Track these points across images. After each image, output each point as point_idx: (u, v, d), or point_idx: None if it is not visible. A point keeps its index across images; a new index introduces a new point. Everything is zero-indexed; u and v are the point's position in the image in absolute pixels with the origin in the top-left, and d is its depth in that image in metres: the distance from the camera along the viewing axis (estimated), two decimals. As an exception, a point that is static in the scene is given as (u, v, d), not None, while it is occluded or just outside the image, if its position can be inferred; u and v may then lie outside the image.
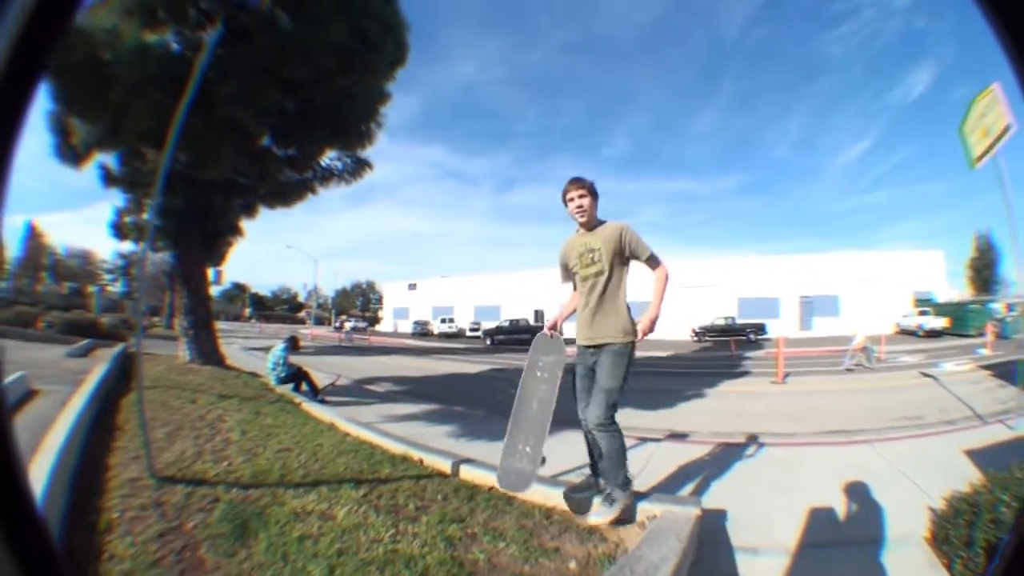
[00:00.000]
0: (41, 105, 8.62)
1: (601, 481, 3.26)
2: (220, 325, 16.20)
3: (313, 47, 7.79)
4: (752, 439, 6.02)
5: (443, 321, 48.82)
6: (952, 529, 2.81)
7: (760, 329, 33.41)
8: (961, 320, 28.16)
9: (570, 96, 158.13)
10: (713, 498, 3.92)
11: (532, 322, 36.56)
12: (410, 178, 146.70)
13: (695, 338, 34.80)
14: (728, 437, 6.24)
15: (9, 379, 5.78)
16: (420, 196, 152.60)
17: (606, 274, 3.17)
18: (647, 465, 5.02)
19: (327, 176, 11.29)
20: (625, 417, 7.29)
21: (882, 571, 2.89)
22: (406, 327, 55.77)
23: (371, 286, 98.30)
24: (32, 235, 64.15)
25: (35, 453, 3.21)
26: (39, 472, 2.83)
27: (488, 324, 41.55)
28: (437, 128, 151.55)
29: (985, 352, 17.80)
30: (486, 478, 3.82)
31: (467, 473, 4.15)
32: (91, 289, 53.25)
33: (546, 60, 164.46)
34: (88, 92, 7.30)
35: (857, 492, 4.06)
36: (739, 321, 35.12)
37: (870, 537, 3.28)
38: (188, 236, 10.77)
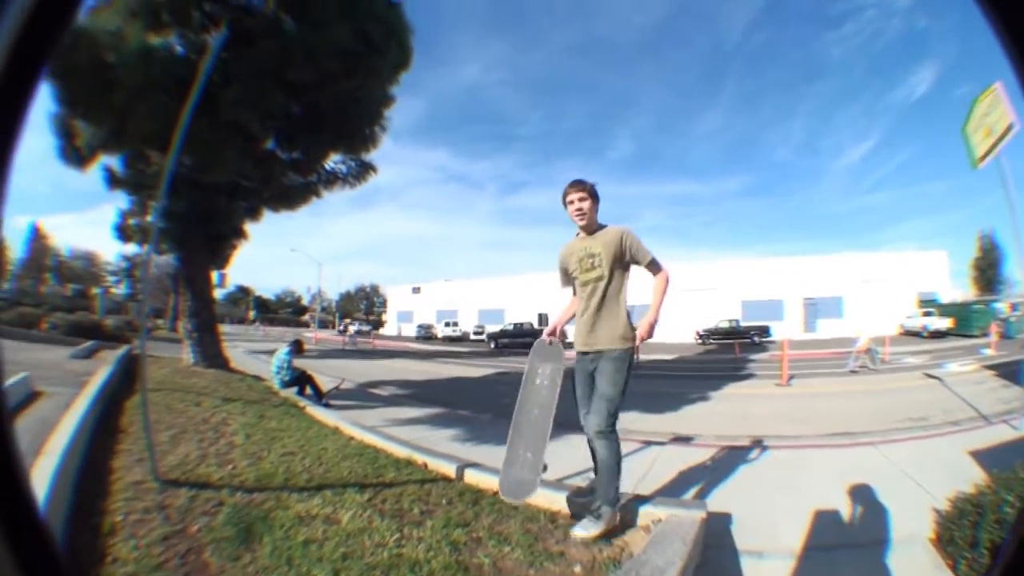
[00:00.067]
0: (45, 107, 8.69)
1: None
2: (224, 328, 16.25)
3: (317, 50, 7.82)
4: (757, 442, 6.00)
5: (447, 325, 48.95)
6: (957, 530, 2.79)
7: (764, 331, 33.33)
8: (965, 320, 28.07)
9: (573, 98, 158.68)
10: (718, 501, 3.90)
11: (536, 325, 36.53)
12: (414, 181, 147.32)
13: (699, 341, 34.77)
14: (733, 440, 6.22)
15: (12, 380, 5.78)
16: (424, 199, 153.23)
17: (606, 279, 3.13)
18: (651, 468, 5.00)
19: (331, 179, 11.32)
20: (630, 420, 7.35)
21: (887, 573, 2.87)
22: (410, 331, 55.87)
23: (375, 289, 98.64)
24: (36, 236, 64.61)
25: (38, 455, 3.21)
26: (42, 474, 2.83)
27: (492, 328, 41.63)
28: (441, 131, 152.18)
29: (989, 352, 17.74)
30: (491, 482, 3.81)
31: (472, 477, 4.14)
32: (95, 291, 53.53)
33: (549, 63, 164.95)
34: (92, 94, 7.33)
35: (862, 494, 4.04)
36: (743, 323, 35.07)
37: (875, 539, 3.26)
38: (192, 239, 10.80)
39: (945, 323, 28.88)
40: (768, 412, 8.59)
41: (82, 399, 5.38)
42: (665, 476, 4.75)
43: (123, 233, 18.70)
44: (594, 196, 3.22)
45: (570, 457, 4.68)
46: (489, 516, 3.25)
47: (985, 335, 22.84)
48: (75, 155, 9.36)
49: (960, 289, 41.58)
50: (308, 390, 8.78)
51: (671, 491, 4.30)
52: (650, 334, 3.05)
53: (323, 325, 64.60)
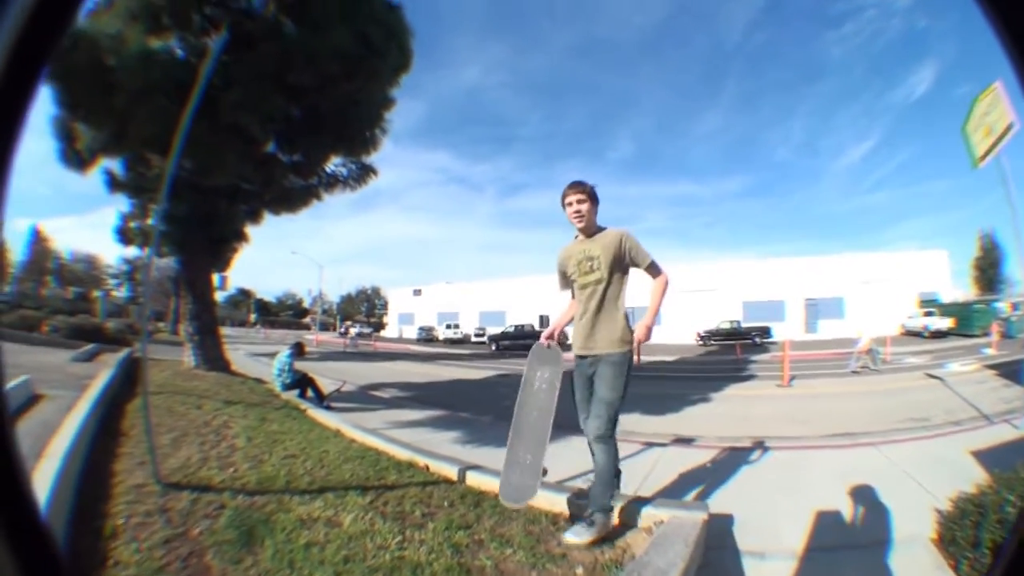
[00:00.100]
0: (46, 110, 8.71)
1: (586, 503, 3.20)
2: (225, 331, 16.26)
3: (318, 53, 7.83)
4: (758, 443, 5.99)
5: (448, 327, 48.94)
6: (958, 530, 2.79)
7: (765, 332, 33.28)
8: (966, 320, 28.02)
9: (573, 100, 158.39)
10: (720, 502, 3.89)
11: (537, 327, 36.53)
12: (415, 184, 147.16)
13: (700, 342, 34.72)
14: (734, 441, 6.22)
15: (14, 383, 5.78)
16: (425, 202, 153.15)
17: (605, 282, 3.10)
18: (653, 470, 4.99)
19: (332, 182, 11.32)
20: (631, 422, 7.35)
21: (889, 573, 2.87)
22: (411, 333, 55.80)
23: (376, 292, 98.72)
24: (37, 239, 64.73)
25: (40, 458, 3.22)
26: (44, 477, 2.83)
27: (493, 330, 41.66)
28: (441, 133, 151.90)
29: (990, 352, 17.72)
30: (493, 484, 3.80)
31: (473, 479, 4.13)
32: (96, 294, 53.61)
33: (549, 64, 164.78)
34: (93, 97, 7.35)
35: (863, 495, 4.03)
36: (744, 324, 35.02)
37: (877, 539, 3.26)
38: (193, 242, 10.81)
39: (946, 323, 28.82)
40: (769, 413, 8.59)
41: (83, 402, 5.38)
42: (667, 477, 4.74)
43: (124, 236, 18.78)
44: (593, 198, 3.17)
45: (571, 459, 4.68)
46: (491, 518, 3.25)
47: (986, 335, 22.79)
48: (76, 158, 9.38)
49: (961, 289, 41.52)
50: (309, 393, 8.79)
51: (673, 492, 4.30)
52: (647, 337, 3.04)
53: (324, 328, 64.54)
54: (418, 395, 11.42)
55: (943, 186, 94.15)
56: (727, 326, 34.71)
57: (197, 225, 10.44)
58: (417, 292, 62.65)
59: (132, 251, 36.96)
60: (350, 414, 7.84)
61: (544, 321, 42.42)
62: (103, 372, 8.19)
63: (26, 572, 0.80)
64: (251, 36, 7.70)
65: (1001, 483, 2.85)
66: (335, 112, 9.34)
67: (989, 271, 50.01)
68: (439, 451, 5.23)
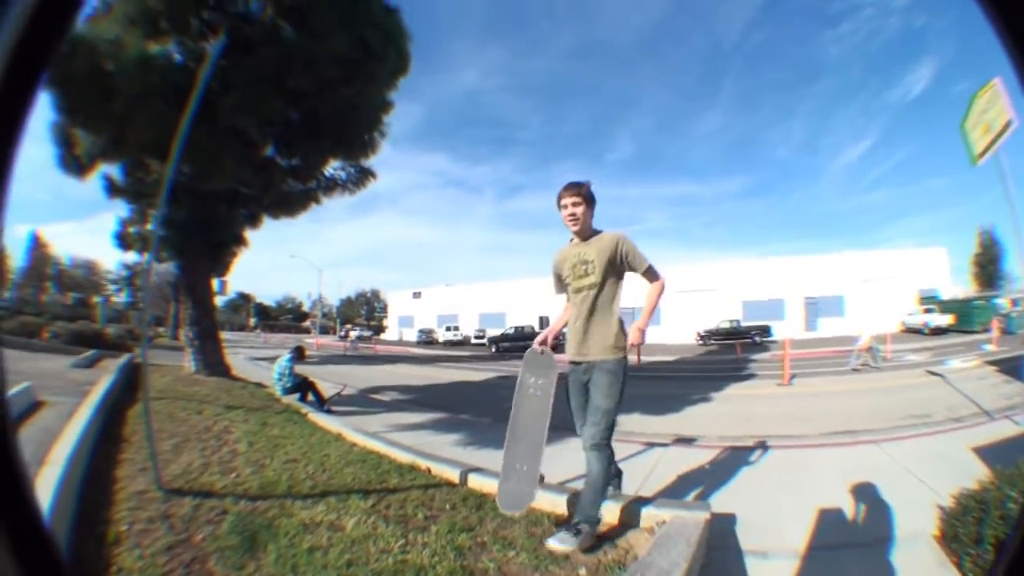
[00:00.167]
0: (44, 116, 8.71)
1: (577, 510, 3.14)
2: (225, 335, 16.24)
3: (316, 58, 7.85)
4: (759, 442, 5.99)
5: (448, 329, 48.90)
6: (961, 527, 2.79)
7: (765, 331, 33.28)
8: (966, 316, 28.01)
9: (573, 101, 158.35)
10: (722, 502, 3.90)
11: (537, 329, 36.50)
12: (414, 187, 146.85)
13: (700, 342, 34.72)
14: (735, 441, 6.22)
15: (15, 390, 5.78)
16: (424, 205, 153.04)
17: (599, 286, 3.05)
18: (655, 470, 5.00)
19: (331, 186, 11.33)
20: (632, 422, 7.36)
21: (892, 570, 2.87)
22: (411, 335, 55.79)
23: (376, 295, 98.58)
24: (36, 245, 64.68)
25: (42, 465, 3.22)
26: (46, 484, 2.83)
27: (493, 332, 41.69)
28: (440, 136, 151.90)
29: (990, 348, 17.71)
30: (494, 486, 3.78)
31: (475, 482, 4.13)
32: (96, 299, 53.44)
33: (548, 66, 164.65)
34: (91, 103, 7.36)
35: (865, 492, 4.04)
36: (744, 324, 35.02)
37: (879, 537, 3.26)
38: (192, 247, 10.81)
39: (946, 320, 28.81)
40: (770, 412, 8.58)
41: (85, 408, 5.37)
42: (668, 477, 4.75)
43: (123, 241, 18.77)
44: (589, 200, 3.09)
45: (572, 461, 4.67)
46: (493, 520, 3.25)
47: (986, 331, 22.77)
48: (74, 164, 9.39)
49: (961, 285, 41.49)
50: (310, 396, 8.79)
51: (675, 492, 4.30)
52: (641, 340, 3.03)
53: (324, 331, 64.48)
54: (419, 398, 11.43)
55: (942, 183, 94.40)
56: (727, 325, 34.69)
57: (196, 230, 10.44)
58: (417, 295, 62.61)
59: (131, 256, 36.90)
60: (351, 418, 7.83)
61: (544, 323, 42.40)
62: (104, 378, 8.17)
63: (30, 579, 0.80)
64: (249, 40, 7.71)
65: (1003, 479, 2.85)
66: (334, 116, 9.35)
67: (989, 267, 50.01)
68: (440, 454, 5.24)
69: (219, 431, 5.62)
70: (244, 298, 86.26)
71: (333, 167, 11.17)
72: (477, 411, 8.96)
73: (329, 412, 8.15)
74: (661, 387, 12.39)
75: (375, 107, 10.03)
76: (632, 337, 3.01)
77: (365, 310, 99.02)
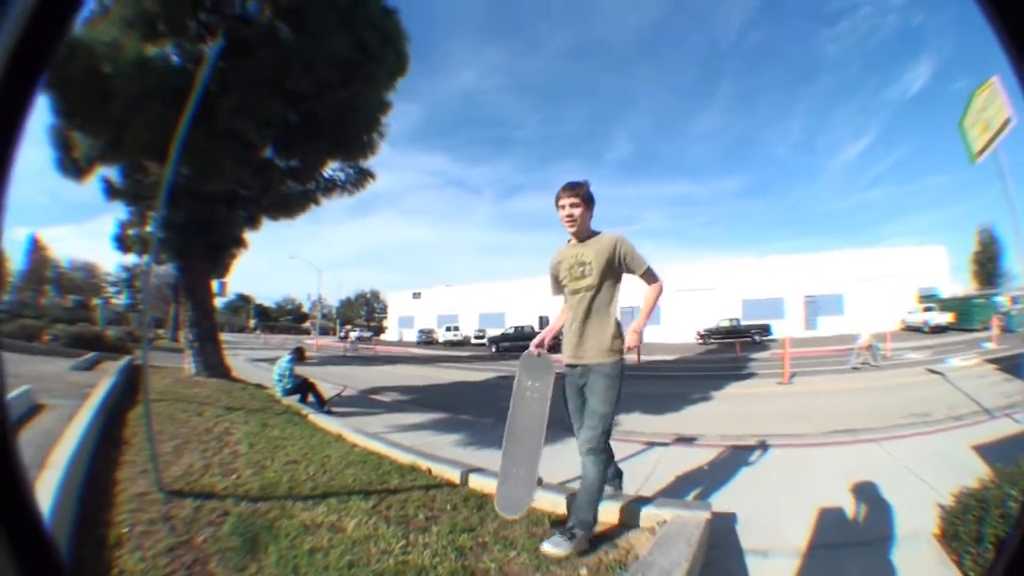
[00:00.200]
0: (42, 118, 8.71)
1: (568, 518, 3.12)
2: (225, 337, 16.22)
3: (315, 59, 7.84)
4: (760, 441, 6.00)
5: (448, 329, 48.88)
6: (961, 525, 2.80)
7: (765, 330, 33.27)
8: (966, 315, 28.01)
9: (571, 101, 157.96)
10: (722, 501, 3.90)
11: (537, 329, 36.51)
12: (412, 187, 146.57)
13: (700, 341, 34.72)
14: (736, 440, 6.23)
15: (15, 393, 5.77)
16: (423, 205, 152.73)
17: (596, 288, 3.00)
18: (655, 469, 5.00)
19: (330, 187, 11.31)
20: (632, 422, 7.37)
21: (892, 569, 2.88)
22: (411, 336, 55.79)
23: (375, 295, 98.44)
24: (35, 248, 64.61)
25: (43, 468, 3.21)
26: (47, 487, 2.83)
27: (493, 332, 41.67)
28: (438, 137, 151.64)
29: (990, 346, 17.69)
30: (495, 487, 3.80)
31: (476, 482, 4.13)
32: (95, 302, 53.46)
33: (546, 66, 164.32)
34: (89, 105, 7.34)
35: (866, 491, 4.04)
36: (744, 322, 35.02)
37: (879, 536, 3.26)
38: (192, 248, 10.80)
39: (946, 318, 28.80)
40: (770, 411, 8.59)
41: (85, 411, 5.37)
42: (669, 477, 4.75)
43: (122, 244, 18.73)
44: (587, 201, 3.03)
45: (572, 461, 4.66)
46: (494, 521, 3.25)
47: (986, 329, 22.77)
48: (73, 166, 9.38)
49: (960, 284, 41.52)
50: (310, 398, 8.80)
51: (675, 492, 4.31)
52: (638, 341, 3.02)
53: (324, 332, 64.52)
54: (419, 398, 11.43)
55: (941, 181, 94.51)
56: (727, 324, 34.68)
57: (195, 231, 10.42)
58: (416, 295, 62.58)
59: (131, 258, 37.02)
60: (351, 418, 7.83)
61: (544, 322, 42.37)
62: (104, 380, 8.16)
63: (31, 582, 0.80)
64: (247, 42, 7.70)
65: (1003, 477, 2.86)
66: (332, 117, 9.34)
67: (988, 265, 49.99)
68: (441, 454, 5.24)
69: (220, 433, 5.62)
70: (244, 299, 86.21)
71: (332, 168, 11.16)
72: (477, 411, 8.96)
73: (329, 413, 8.15)
74: (661, 386, 12.39)
75: (374, 108, 10.02)
76: (629, 340, 2.98)
77: (365, 311, 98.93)
